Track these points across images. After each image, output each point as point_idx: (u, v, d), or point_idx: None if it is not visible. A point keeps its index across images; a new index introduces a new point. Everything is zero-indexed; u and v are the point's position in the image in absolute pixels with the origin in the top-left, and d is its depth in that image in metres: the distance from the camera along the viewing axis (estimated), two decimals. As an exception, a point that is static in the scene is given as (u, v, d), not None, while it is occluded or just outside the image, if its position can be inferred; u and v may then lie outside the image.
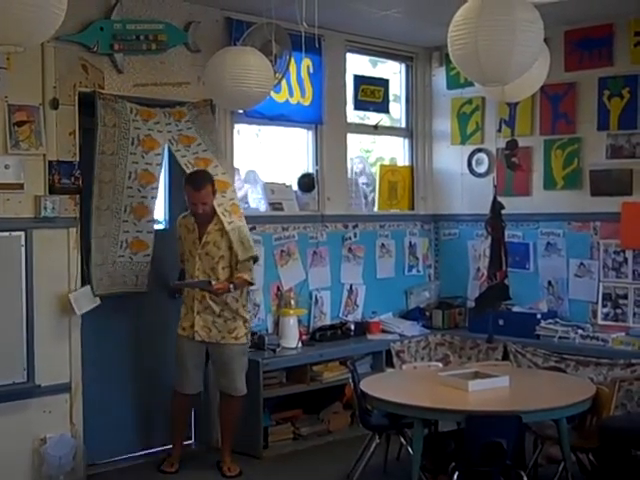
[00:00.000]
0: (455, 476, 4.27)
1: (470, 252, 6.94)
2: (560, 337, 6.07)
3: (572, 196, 6.35)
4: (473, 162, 6.96)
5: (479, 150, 6.93)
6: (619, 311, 6.07)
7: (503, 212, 6.17)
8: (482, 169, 6.89)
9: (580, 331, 6.03)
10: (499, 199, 6.20)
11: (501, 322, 6.33)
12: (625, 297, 6.04)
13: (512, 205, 6.34)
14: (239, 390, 5.28)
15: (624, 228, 6.02)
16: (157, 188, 5.38)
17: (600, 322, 6.14)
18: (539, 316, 6.27)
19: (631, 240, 5.99)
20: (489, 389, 4.69)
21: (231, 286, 5.13)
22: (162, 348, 5.64)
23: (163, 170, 5.55)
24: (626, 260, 6.04)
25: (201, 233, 5.18)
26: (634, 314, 5.99)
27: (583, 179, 6.27)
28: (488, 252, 6.17)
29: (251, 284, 5.35)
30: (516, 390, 4.75)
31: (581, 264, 6.28)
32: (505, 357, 6.19)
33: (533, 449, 4.86)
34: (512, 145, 6.22)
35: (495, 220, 6.15)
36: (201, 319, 5.19)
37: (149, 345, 5.66)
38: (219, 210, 5.24)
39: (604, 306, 6.15)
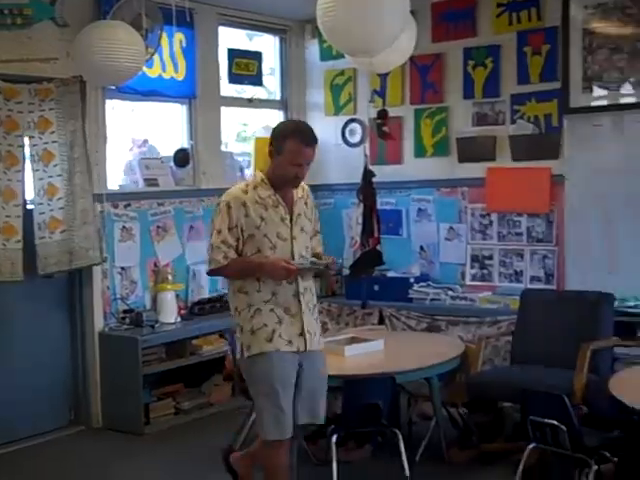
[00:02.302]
0: (333, 438, 4.36)
1: (345, 221, 7.04)
2: (432, 299, 6.30)
3: (441, 163, 6.54)
4: (347, 132, 7.05)
5: (352, 120, 7.02)
6: (485, 271, 6.33)
7: (375, 180, 6.30)
8: (355, 139, 6.99)
9: (450, 292, 6.26)
10: (371, 168, 6.33)
11: (376, 288, 6.49)
12: (491, 258, 6.29)
13: (385, 173, 6.50)
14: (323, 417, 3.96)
15: (489, 192, 6.25)
16: (21, 171, 5.21)
17: (468, 283, 6.38)
18: (412, 280, 6.46)
19: (495, 203, 6.23)
20: (365, 353, 4.83)
21: None
22: (44, 332, 5.60)
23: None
24: (491, 223, 6.28)
25: (290, 206, 3.88)
26: (499, 274, 6.26)
27: (451, 146, 6.47)
28: (361, 220, 6.31)
29: None
30: (390, 352, 4.91)
31: (450, 228, 6.50)
32: (381, 321, 6.37)
33: (407, 407, 5.06)
34: (382, 114, 6.31)
35: (366, 188, 6.27)
36: (307, 322, 3.83)
37: (31, 330, 5.55)
38: None
39: (472, 267, 6.40)
